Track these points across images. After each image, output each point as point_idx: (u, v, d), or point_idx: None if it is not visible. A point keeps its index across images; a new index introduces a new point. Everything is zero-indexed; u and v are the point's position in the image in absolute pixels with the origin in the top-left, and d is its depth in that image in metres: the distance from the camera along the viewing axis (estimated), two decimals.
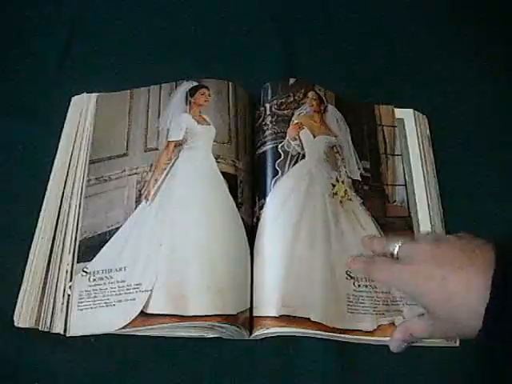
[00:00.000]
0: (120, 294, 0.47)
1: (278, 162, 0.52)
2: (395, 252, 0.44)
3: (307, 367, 0.47)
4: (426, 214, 0.53)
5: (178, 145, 0.54)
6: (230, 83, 0.57)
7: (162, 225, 0.49)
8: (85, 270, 0.49)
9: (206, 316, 0.45)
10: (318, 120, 0.55)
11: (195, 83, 0.57)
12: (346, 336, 0.46)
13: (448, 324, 0.41)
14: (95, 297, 0.47)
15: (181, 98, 0.56)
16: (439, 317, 0.41)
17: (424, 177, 0.55)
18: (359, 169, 0.55)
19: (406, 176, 0.55)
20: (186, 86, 0.57)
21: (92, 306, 0.47)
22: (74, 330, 0.47)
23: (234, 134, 0.54)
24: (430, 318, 0.42)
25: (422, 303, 0.42)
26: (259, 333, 0.46)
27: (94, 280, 0.48)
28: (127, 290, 0.47)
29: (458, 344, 0.47)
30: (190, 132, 0.54)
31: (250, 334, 0.47)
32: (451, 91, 0.61)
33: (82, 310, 0.47)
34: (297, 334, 0.46)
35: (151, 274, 0.47)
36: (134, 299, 0.47)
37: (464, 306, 0.38)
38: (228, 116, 0.55)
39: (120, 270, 0.48)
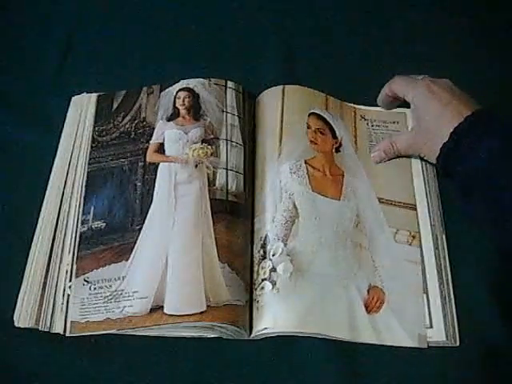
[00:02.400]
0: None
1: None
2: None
3: (307, 367, 0.47)
4: None
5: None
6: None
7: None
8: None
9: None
10: None
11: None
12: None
13: (423, 144, 0.52)
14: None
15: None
16: (424, 128, 0.51)
17: None
18: None
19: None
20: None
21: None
22: (74, 330, 0.47)
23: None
24: (413, 132, 0.53)
25: (419, 113, 0.52)
26: (259, 333, 0.46)
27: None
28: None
29: (457, 344, 0.47)
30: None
31: (250, 333, 0.47)
32: None
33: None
34: (297, 334, 0.46)
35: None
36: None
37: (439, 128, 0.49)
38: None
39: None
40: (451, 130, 0.48)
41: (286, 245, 0.49)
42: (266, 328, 0.46)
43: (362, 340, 0.47)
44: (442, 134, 0.48)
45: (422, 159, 0.55)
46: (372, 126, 0.58)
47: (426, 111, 0.51)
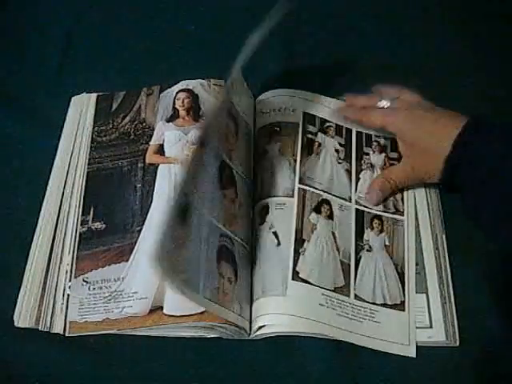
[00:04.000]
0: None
1: None
2: (385, 106, 0.53)
3: (307, 367, 0.47)
4: None
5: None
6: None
7: None
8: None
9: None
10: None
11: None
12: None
13: (422, 167, 0.50)
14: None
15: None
16: (419, 152, 0.50)
17: None
18: None
19: None
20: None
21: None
22: (73, 330, 0.47)
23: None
24: (408, 160, 0.52)
25: (409, 138, 0.51)
26: (259, 333, 0.46)
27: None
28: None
29: (457, 344, 0.47)
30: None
31: (250, 333, 0.47)
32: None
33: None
34: (297, 334, 0.46)
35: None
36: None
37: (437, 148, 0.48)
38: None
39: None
40: (451, 142, 0.46)
41: None
42: (265, 327, 0.46)
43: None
44: (442, 150, 0.47)
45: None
46: None
47: (417, 135, 0.50)
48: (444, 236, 0.52)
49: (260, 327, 0.46)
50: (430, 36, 0.65)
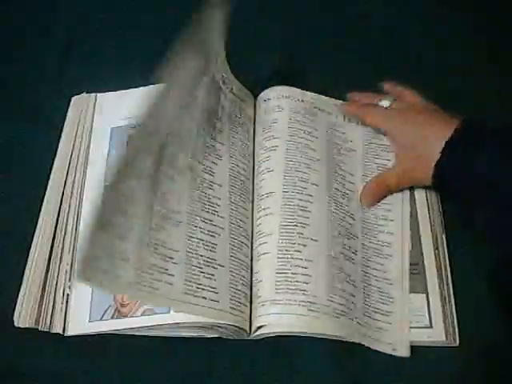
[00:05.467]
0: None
1: None
2: (385, 105, 0.53)
3: (307, 367, 0.47)
4: None
5: None
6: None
7: None
8: None
9: None
10: None
11: None
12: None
13: (414, 171, 0.50)
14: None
15: None
16: (412, 155, 0.50)
17: None
18: None
19: None
20: None
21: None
22: (73, 330, 0.47)
23: None
24: (400, 164, 0.52)
25: (403, 141, 0.51)
26: (260, 332, 0.46)
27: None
28: None
29: (457, 344, 0.47)
30: None
31: (250, 333, 0.47)
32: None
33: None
34: (297, 334, 0.46)
35: None
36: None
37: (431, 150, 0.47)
38: None
39: None
40: (439, 150, 0.46)
41: None
42: (265, 327, 0.46)
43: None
44: (434, 153, 0.47)
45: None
46: None
47: (411, 139, 0.50)
48: (444, 236, 0.52)
49: (260, 327, 0.46)
50: (430, 36, 0.65)
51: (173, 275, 0.45)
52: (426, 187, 0.53)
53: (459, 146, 0.46)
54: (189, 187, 0.49)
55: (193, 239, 0.47)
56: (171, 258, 0.46)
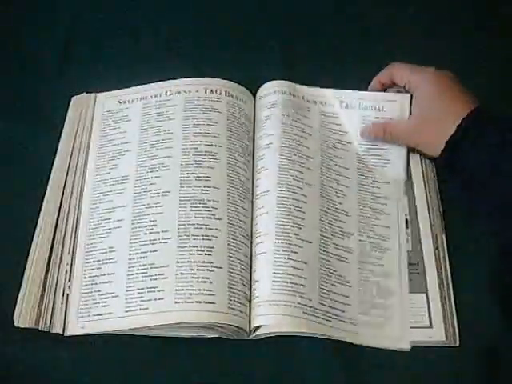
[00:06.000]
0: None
1: None
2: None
3: (307, 367, 0.47)
4: None
5: None
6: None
7: None
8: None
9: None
10: None
11: None
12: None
13: (425, 135, 0.50)
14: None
15: None
16: (428, 118, 0.50)
17: None
18: None
19: None
20: None
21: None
22: (72, 330, 0.47)
23: None
24: (414, 121, 0.52)
25: (424, 100, 0.51)
26: (259, 332, 0.46)
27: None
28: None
29: (457, 344, 0.47)
30: None
31: (250, 333, 0.47)
32: None
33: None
34: (297, 334, 0.46)
35: None
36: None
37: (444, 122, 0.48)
38: None
39: None
40: (458, 123, 0.47)
41: None
42: (264, 327, 0.46)
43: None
44: (448, 126, 0.48)
45: (420, 158, 0.55)
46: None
47: (433, 101, 0.50)
48: (444, 236, 0.52)
49: (259, 327, 0.46)
50: (431, 36, 0.65)
51: (163, 290, 0.46)
52: (425, 185, 0.53)
53: (473, 126, 0.47)
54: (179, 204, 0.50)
55: (184, 249, 0.48)
56: (161, 274, 0.47)
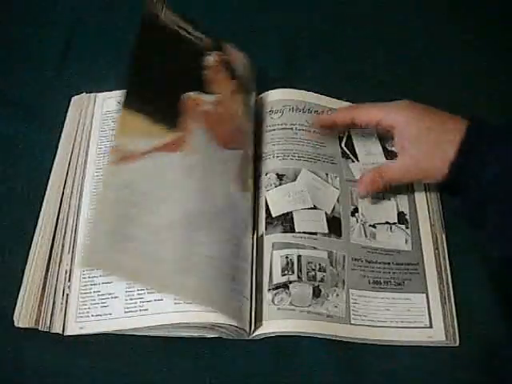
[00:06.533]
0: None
1: None
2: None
3: (307, 367, 0.47)
4: None
5: None
6: None
7: None
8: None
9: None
10: None
11: None
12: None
13: (423, 166, 0.48)
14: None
15: None
16: (421, 150, 0.48)
17: None
18: None
19: None
20: None
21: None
22: (72, 330, 0.47)
23: None
24: (405, 158, 0.49)
25: (411, 134, 0.48)
26: (259, 332, 0.46)
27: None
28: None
29: (457, 344, 0.47)
30: None
31: (250, 333, 0.47)
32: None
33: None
34: (297, 334, 0.46)
35: None
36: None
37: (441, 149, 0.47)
38: None
39: None
40: (456, 146, 0.46)
41: None
42: (263, 327, 0.46)
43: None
44: (446, 151, 0.46)
45: None
46: None
47: (421, 132, 0.48)
48: (444, 236, 0.52)
49: (258, 327, 0.46)
50: (431, 36, 0.65)
51: None
52: (425, 185, 0.53)
53: (475, 146, 0.45)
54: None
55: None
56: None
